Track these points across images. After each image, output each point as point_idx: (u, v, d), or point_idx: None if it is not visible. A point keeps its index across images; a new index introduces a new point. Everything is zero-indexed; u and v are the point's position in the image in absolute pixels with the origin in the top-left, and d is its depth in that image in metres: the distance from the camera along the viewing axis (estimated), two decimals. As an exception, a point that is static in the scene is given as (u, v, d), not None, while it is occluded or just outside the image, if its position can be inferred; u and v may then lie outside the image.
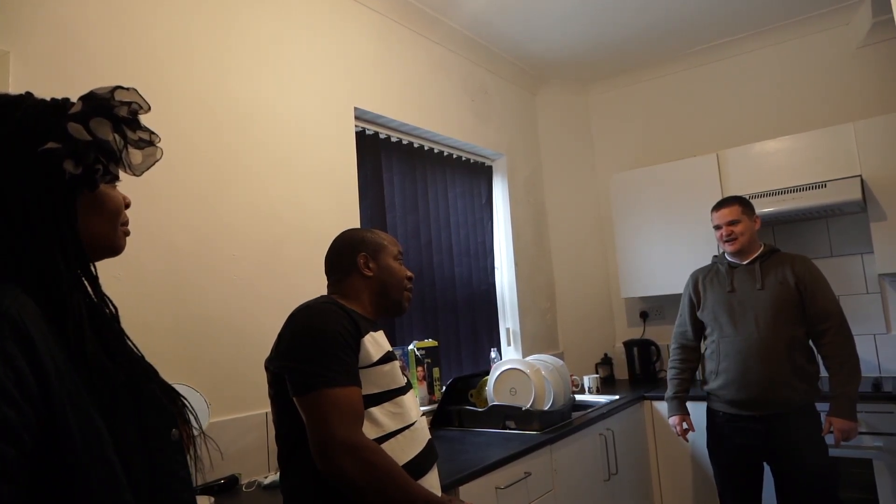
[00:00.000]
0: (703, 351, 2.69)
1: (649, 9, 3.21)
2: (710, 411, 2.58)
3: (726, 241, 2.49)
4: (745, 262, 2.50)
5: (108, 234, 0.79)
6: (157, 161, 0.81)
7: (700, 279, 2.63)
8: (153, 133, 0.79)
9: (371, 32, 2.78)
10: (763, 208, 3.05)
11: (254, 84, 2.22)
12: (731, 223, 2.47)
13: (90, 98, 0.74)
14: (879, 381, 2.92)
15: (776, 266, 2.44)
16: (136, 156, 0.78)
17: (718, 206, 2.55)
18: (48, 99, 0.75)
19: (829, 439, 2.32)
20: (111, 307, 0.77)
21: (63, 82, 1.68)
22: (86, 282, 0.75)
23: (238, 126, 2.15)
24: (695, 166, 3.45)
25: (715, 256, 2.67)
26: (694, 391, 2.99)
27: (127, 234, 0.82)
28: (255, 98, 2.22)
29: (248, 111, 2.19)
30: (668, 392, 2.70)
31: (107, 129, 0.74)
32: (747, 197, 3.14)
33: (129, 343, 0.78)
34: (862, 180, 2.91)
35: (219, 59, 2.12)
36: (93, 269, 0.76)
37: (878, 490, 2.57)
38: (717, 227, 2.52)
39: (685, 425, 2.64)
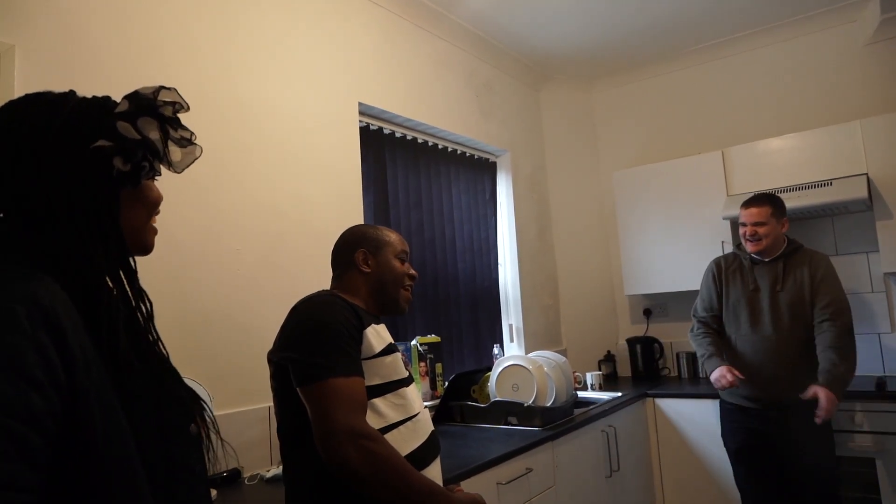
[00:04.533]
0: None
1: (654, 5, 3.19)
2: (722, 402, 2.63)
3: (749, 241, 2.48)
4: (767, 260, 2.50)
5: (143, 227, 0.82)
6: (196, 159, 0.85)
7: (724, 270, 2.62)
8: (193, 132, 0.83)
9: (375, 27, 2.78)
10: (768, 206, 3.04)
11: (258, 79, 2.22)
12: (757, 224, 2.44)
13: (136, 97, 0.77)
14: (883, 380, 2.90)
15: (797, 266, 2.45)
16: (176, 153, 0.82)
17: (748, 204, 2.50)
18: (90, 97, 0.77)
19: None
20: (147, 303, 0.79)
21: (68, 76, 1.68)
22: (124, 276, 0.77)
23: (241, 120, 2.15)
24: (700, 164, 3.43)
25: (738, 247, 2.64)
26: (700, 389, 2.99)
27: (155, 232, 0.85)
28: (258, 93, 2.22)
29: (252, 106, 2.19)
30: (704, 352, 2.55)
31: (153, 128, 0.77)
32: (752, 195, 3.14)
33: (158, 340, 0.80)
34: (868, 178, 2.89)
35: (223, 53, 2.12)
36: (132, 263, 0.78)
37: (880, 489, 2.56)
38: (743, 225, 2.50)
39: (730, 376, 2.40)
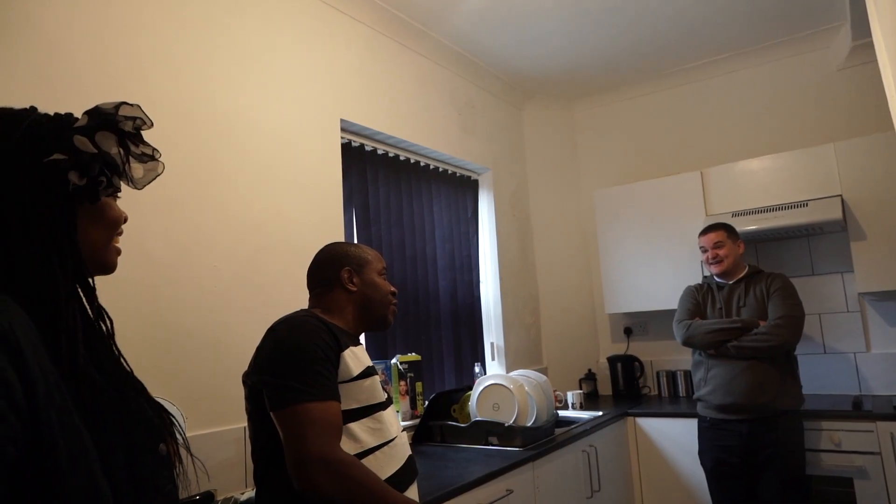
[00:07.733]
0: (692, 359, 2.76)
1: (634, 28, 3.24)
2: (698, 418, 2.72)
3: (712, 263, 2.68)
4: (731, 282, 2.69)
5: (104, 246, 0.80)
6: (158, 175, 0.84)
7: (698, 293, 2.77)
8: (155, 149, 0.82)
9: (358, 44, 2.78)
10: (745, 226, 3.07)
11: (239, 95, 2.20)
12: (717, 246, 2.66)
13: (96, 112, 0.76)
14: (860, 399, 2.93)
15: (757, 284, 2.62)
16: (137, 170, 0.81)
17: (705, 231, 2.73)
18: (52, 113, 0.77)
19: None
20: (107, 321, 0.78)
21: (47, 91, 1.65)
22: (82, 294, 0.75)
23: (221, 136, 2.12)
24: (679, 183, 3.47)
25: (705, 277, 2.85)
26: (680, 408, 2.99)
27: (118, 252, 0.83)
28: (239, 109, 2.20)
29: (233, 122, 2.17)
30: (721, 325, 2.59)
31: (112, 143, 0.76)
32: (731, 215, 3.19)
33: (121, 358, 0.79)
34: (842, 200, 2.94)
35: (204, 68, 2.09)
36: (91, 281, 0.77)
37: (858, 509, 2.58)
38: (704, 250, 2.72)
39: None
